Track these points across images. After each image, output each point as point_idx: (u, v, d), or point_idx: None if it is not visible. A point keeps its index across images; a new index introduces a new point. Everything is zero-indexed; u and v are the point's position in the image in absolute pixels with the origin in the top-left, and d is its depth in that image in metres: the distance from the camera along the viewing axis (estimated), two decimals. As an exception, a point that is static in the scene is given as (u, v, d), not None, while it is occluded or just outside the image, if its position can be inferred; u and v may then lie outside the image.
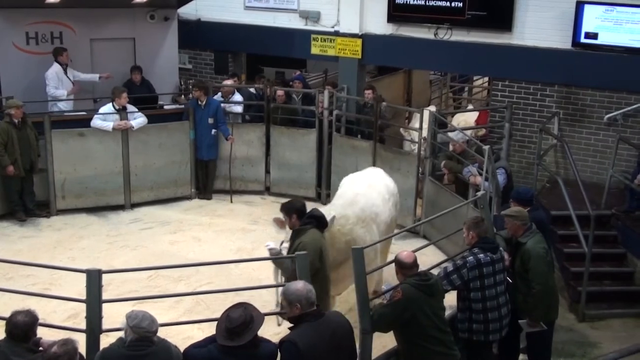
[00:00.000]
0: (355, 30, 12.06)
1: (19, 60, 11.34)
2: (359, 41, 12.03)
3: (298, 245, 6.04)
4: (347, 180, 8.27)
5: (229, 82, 12.36)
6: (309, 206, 10.85)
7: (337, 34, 12.25)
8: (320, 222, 6.36)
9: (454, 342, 5.62)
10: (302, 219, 6.34)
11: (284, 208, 6.52)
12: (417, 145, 10.36)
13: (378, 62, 13.40)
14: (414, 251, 5.68)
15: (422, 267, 5.68)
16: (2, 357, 4.57)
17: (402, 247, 6.98)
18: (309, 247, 5.93)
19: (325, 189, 11.43)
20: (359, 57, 12.11)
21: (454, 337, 5.71)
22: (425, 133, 10.19)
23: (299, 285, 4.92)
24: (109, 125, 10.57)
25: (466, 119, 12.77)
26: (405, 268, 5.51)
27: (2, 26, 11.21)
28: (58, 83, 11.19)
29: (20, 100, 10.02)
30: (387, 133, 11.42)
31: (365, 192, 7.73)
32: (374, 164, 10.61)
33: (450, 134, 10.21)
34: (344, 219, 7.13)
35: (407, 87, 15.33)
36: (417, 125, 10.71)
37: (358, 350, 5.28)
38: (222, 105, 11.46)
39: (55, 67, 11.19)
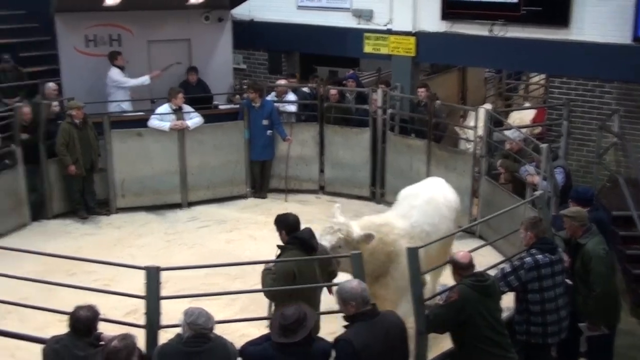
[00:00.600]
0: (409, 28, 11.98)
1: (79, 63, 11.64)
2: (413, 39, 11.95)
3: (272, 265, 5.83)
4: (407, 191, 7.77)
5: (283, 81, 12.44)
6: (363, 205, 11.08)
7: (390, 32, 12.19)
8: (303, 244, 5.89)
9: (511, 345, 5.54)
10: (290, 235, 5.98)
11: (276, 221, 6.20)
12: (472, 144, 10.24)
13: (432, 60, 13.29)
14: (470, 251, 5.63)
15: (479, 267, 5.62)
16: (65, 350, 4.70)
17: (458, 248, 6.91)
18: (278, 271, 5.72)
19: (379, 188, 11.39)
20: (413, 55, 12.02)
21: (511, 340, 5.63)
22: (480, 131, 10.07)
23: (354, 283, 4.93)
24: (165, 125, 10.75)
25: (522, 117, 12.55)
26: (462, 268, 5.46)
27: (62, 30, 11.51)
28: (126, 77, 11.47)
29: (80, 102, 10.28)
30: (441, 131, 11.30)
31: (421, 207, 7.23)
32: (428, 163, 10.56)
33: (506, 132, 10.06)
34: (388, 227, 6.68)
35: (461, 85, 15.17)
36: (472, 123, 10.59)
37: (413, 351, 5.26)
38: (276, 104, 11.54)
39: (114, 69, 11.43)
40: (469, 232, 9.89)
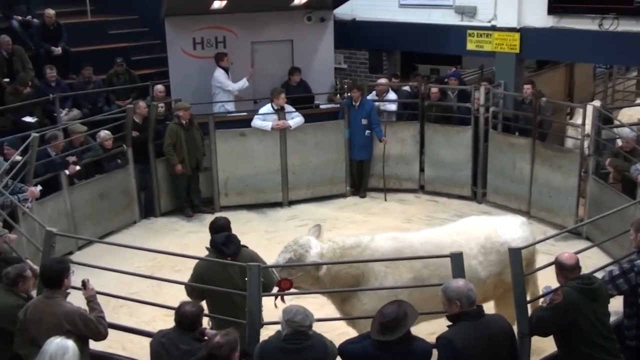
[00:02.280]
0: (513, 24, 11.69)
1: (187, 65, 12.04)
2: (517, 35, 11.65)
3: None
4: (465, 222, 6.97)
5: (383, 80, 12.42)
6: (464, 205, 10.92)
7: (494, 28, 11.94)
8: (216, 249, 5.89)
9: (620, 350, 5.31)
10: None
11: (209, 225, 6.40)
12: (579, 142, 9.89)
13: (537, 56, 12.93)
14: (577, 253, 5.43)
15: (585, 269, 5.42)
16: (170, 344, 4.86)
17: (563, 249, 6.67)
18: (193, 272, 5.92)
19: (481, 188, 11.18)
20: (517, 51, 11.72)
21: (620, 345, 5.40)
22: (588, 129, 9.70)
23: (460, 282, 4.87)
24: (268, 125, 10.96)
25: (633, 114, 12.00)
26: (567, 270, 5.28)
27: (171, 33, 11.95)
28: (230, 80, 11.76)
29: (187, 103, 10.63)
30: (546, 129, 10.96)
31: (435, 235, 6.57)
32: (532, 162, 10.30)
33: (620, 131, 9.65)
34: (358, 249, 6.19)
35: (568, 81, 14.66)
36: (579, 121, 10.22)
37: (516, 355, 5.14)
38: (376, 104, 11.53)
39: (220, 71, 11.74)
40: (575, 233, 9.59)
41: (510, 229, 6.67)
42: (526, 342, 5.29)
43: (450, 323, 4.87)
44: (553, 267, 5.40)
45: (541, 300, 5.49)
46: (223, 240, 6.00)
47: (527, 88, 10.91)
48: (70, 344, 4.42)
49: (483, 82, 11.29)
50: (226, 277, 5.84)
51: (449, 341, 4.68)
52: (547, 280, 5.65)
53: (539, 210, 10.36)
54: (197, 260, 6.02)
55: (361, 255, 6.19)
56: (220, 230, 6.28)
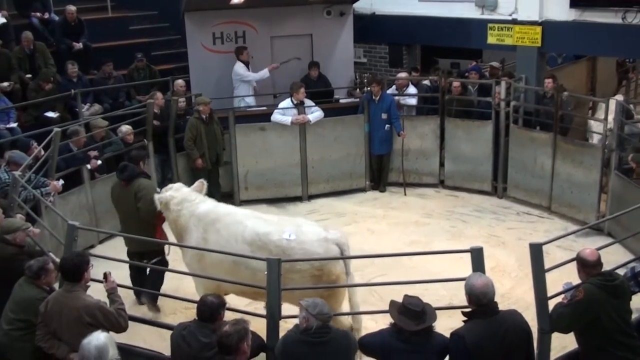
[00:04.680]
0: (535, 18, 11.58)
1: (207, 60, 12.10)
2: (539, 29, 11.54)
3: None
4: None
5: (403, 74, 12.38)
6: (485, 200, 10.90)
7: (515, 22, 11.84)
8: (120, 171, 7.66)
9: (642, 347, 5.27)
10: None
11: None
12: (601, 137, 9.80)
13: (559, 50, 12.82)
14: (598, 249, 5.39)
15: (607, 266, 5.38)
16: (190, 337, 4.89)
17: (584, 245, 6.64)
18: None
19: (501, 183, 11.11)
20: (539, 45, 11.61)
21: (642, 343, 5.35)
22: (611, 124, 9.60)
23: (475, 279, 4.86)
24: (287, 119, 10.97)
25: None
26: (588, 266, 5.24)
27: (191, 28, 12.01)
28: (250, 71, 11.80)
29: (207, 97, 10.67)
30: (568, 124, 10.86)
31: (251, 222, 6.71)
32: (553, 157, 10.22)
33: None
34: (188, 203, 6.98)
35: (591, 75, 14.51)
36: (602, 115, 10.12)
37: (536, 351, 5.11)
38: (396, 98, 11.50)
39: (239, 64, 11.77)
40: (597, 230, 9.51)
41: (305, 238, 6.48)
42: (546, 339, 5.27)
43: (465, 319, 4.87)
44: (574, 263, 5.37)
45: (562, 296, 5.45)
46: (120, 167, 7.74)
47: (549, 82, 10.82)
48: (103, 338, 4.38)
49: (503, 77, 11.20)
50: (126, 199, 7.60)
51: (461, 337, 4.69)
52: (568, 276, 5.61)
53: (560, 205, 10.28)
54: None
55: (190, 208, 6.96)
56: (131, 160, 8.02)
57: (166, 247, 7.61)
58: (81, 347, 4.37)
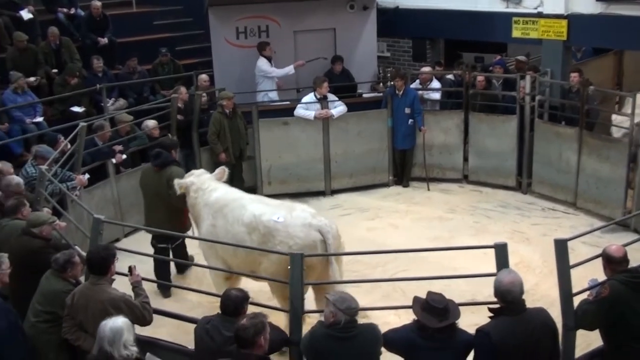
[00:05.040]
0: (560, 11, 11.45)
1: (230, 54, 12.14)
2: (565, 22, 11.41)
3: None
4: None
5: (427, 69, 12.31)
6: (509, 195, 10.84)
7: (540, 15, 11.71)
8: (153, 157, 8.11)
9: (669, 346, 5.20)
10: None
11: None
12: (628, 132, 9.67)
13: (585, 43, 12.65)
14: (624, 245, 5.33)
15: (633, 263, 5.32)
16: (214, 331, 4.92)
17: (610, 241, 6.55)
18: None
19: (526, 178, 11.02)
20: (564, 38, 11.48)
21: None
22: (638, 118, 9.48)
23: (503, 276, 4.84)
24: (310, 114, 10.97)
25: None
26: (614, 263, 5.19)
27: (215, 23, 12.05)
28: (273, 67, 11.80)
29: (231, 92, 10.71)
30: (594, 118, 10.73)
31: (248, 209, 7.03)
32: (579, 152, 10.12)
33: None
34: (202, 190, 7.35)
35: (618, 69, 14.32)
36: (628, 110, 9.98)
37: (560, 348, 5.07)
38: (420, 92, 11.45)
39: (263, 59, 11.78)
40: (623, 226, 9.40)
41: (291, 221, 6.75)
42: (571, 336, 5.23)
43: (491, 315, 4.84)
44: (600, 259, 5.32)
45: (587, 292, 5.40)
46: (154, 154, 8.15)
47: (574, 76, 10.68)
48: (120, 322, 4.54)
49: (528, 71, 11.11)
50: (155, 184, 7.96)
51: (486, 334, 4.67)
52: (593, 273, 5.56)
53: (586, 201, 10.18)
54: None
55: (202, 197, 7.36)
56: (164, 147, 8.28)
57: (189, 232, 7.93)
58: (98, 329, 4.54)
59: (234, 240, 6.83)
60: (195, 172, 7.74)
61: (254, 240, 6.80)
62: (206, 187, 7.40)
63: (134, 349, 4.54)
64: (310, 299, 6.49)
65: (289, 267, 5.45)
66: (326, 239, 6.65)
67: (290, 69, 11.92)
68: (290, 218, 6.77)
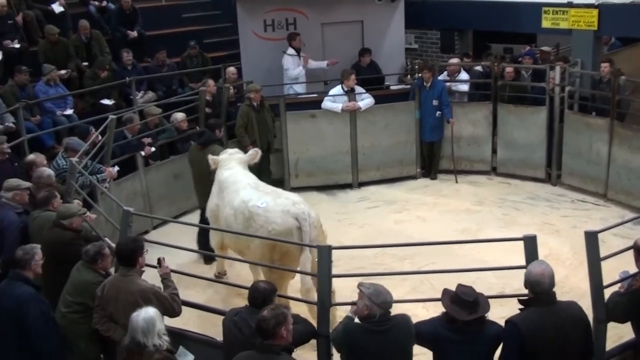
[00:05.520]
0: (591, 0, 11.27)
1: (258, 47, 12.14)
2: (595, 11, 11.23)
3: None
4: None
5: (455, 60, 12.22)
6: (538, 187, 10.77)
7: (570, 5, 11.54)
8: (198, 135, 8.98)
9: (702, 339, 5.13)
10: None
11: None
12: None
13: (616, 33, 12.46)
14: (656, 237, 5.25)
15: (665, 255, 5.23)
16: (242, 323, 4.94)
17: (641, 234, 6.48)
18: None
19: (555, 170, 10.91)
20: (595, 28, 11.31)
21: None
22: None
23: (534, 267, 4.80)
24: (338, 106, 10.96)
25: None
26: (645, 255, 5.12)
27: (243, 16, 12.07)
28: (295, 65, 11.79)
29: (258, 84, 10.73)
30: (625, 109, 10.57)
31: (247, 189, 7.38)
32: (610, 143, 10.00)
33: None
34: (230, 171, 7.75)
35: (650, 59, 14.07)
36: (661, 100, 9.83)
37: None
38: (448, 84, 11.37)
39: (290, 51, 11.79)
40: (655, 218, 9.25)
41: (272, 207, 6.99)
42: (602, 328, 5.16)
43: (521, 307, 4.81)
44: (631, 251, 5.25)
45: (618, 285, 5.34)
46: (199, 132, 9.05)
47: (605, 66, 10.54)
48: (152, 312, 4.60)
49: (558, 62, 10.97)
50: (198, 159, 8.56)
51: (515, 325, 4.63)
52: (625, 265, 5.49)
53: (617, 192, 10.05)
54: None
55: (218, 173, 7.90)
56: (209, 127, 9.26)
57: None
58: (130, 319, 4.58)
59: (224, 222, 7.35)
60: (229, 150, 8.25)
61: (239, 224, 7.11)
62: (225, 165, 7.87)
63: (166, 338, 4.59)
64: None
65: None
66: (302, 227, 6.81)
67: (323, 64, 11.90)
68: (273, 204, 7.01)
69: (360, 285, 4.85)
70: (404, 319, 4.82)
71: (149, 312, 4.59)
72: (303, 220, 6.84)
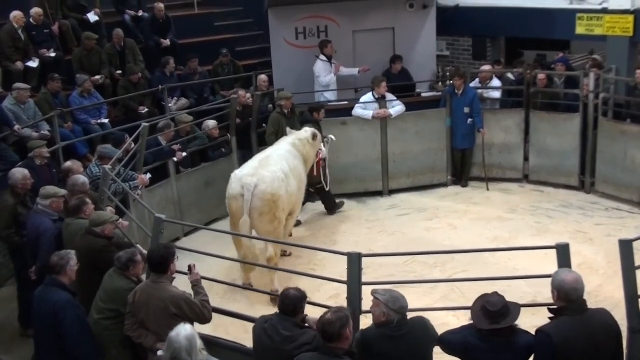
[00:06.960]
0: (627, 6, 11.15)
1: (289, 55, 12.21)
2: (631, 17, 11.10)
3: None
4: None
5: (487, 67, 12.15)
6: (571, 195, 10.69)
7: (605, 11, 11.43)
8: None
9: None
10: None
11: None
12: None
13: (653, 38, 12.28)
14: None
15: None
16: (272, 330, 4.94)
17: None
18: None
19: (589, 177, 10.77)
20: (631, 34, 11.18)
21: None
22: None
23: (564, 275, 4.74)
24: (369, 114, 10.95)
25: None
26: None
27: (274, 24, 12.15)
28: (326, 72, 11.82)
29: (289, 92, 10.77)
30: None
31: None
32: (646, 150, 9.84)
33: None
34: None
35: (687, 65, 13.83)
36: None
37: (625, 352, 4.94)
38: (480, 91, 11.30)
39: (322, 58, 11.82)
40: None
41: (235, 175, 8.26)
42: (636, 338, 5.09)
43: (552, 316, 4.75)
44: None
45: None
46: (301, 111, 10.30)
47: (640, 73, 10.40)
48: (190, 328, 4.48)
49: (592, 68, 10.84)
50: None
51: (547, 335, 4.58)
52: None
53: (653, 201, 9.90)
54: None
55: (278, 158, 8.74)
56: (310, 110, 10.40)
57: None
58: (169, 340, 4.40)
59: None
60: (306, 128, 9.51)
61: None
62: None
63: (205, 352, 4.55)
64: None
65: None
66: (244, 193, 7.92)
67: (355, 71, 11.93)
68: (236, 172, 8.29)
69: (374, 292, 4.84)
70: (421, 322, 4.82)
71: (187, 330, 4.44)
72: (247, 185, 7.95)
